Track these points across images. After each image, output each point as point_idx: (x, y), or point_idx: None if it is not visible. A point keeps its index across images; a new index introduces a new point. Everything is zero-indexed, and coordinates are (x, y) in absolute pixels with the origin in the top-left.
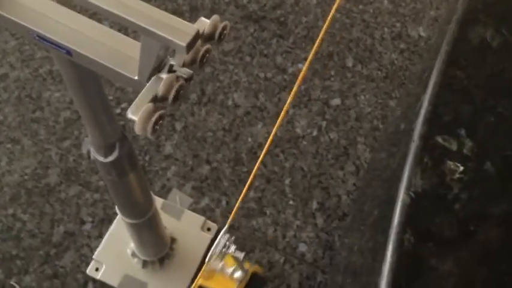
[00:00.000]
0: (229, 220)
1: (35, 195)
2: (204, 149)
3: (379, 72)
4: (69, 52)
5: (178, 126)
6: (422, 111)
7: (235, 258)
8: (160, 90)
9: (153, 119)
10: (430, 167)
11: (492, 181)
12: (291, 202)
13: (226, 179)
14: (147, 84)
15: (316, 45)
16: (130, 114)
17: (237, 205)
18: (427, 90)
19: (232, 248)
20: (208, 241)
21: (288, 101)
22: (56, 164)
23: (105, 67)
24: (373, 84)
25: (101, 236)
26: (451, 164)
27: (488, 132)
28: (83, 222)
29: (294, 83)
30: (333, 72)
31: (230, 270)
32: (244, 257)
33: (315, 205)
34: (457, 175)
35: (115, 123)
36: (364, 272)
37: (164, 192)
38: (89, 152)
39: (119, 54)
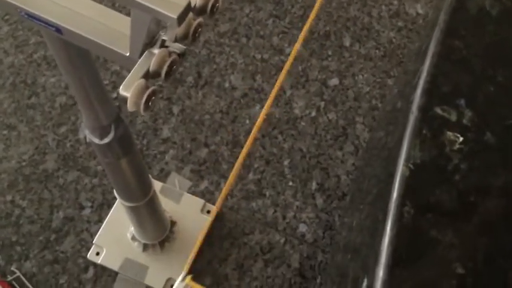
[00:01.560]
0: (185, 268)
1: (33, 181)
2: (201, 132)
3: (377, 51)
4: (59, 30)
5: (176, 109)
6: (421, 83)
7: None
8: (153, 65)
9: (146, 95)
10: (429, 138)
11: (492, 151)
12: (290, 183)
13: (225, 162)
14: (139, 60)
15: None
16: (122, 91)
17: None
18: (426, 61)
19: None
20: (208, 224)
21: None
22: (53, 150)
23: (96, 44)
24: (371, 63)
25: (100, 221)
26: (450, 134)
27: (488, 102)
28: (82, 208)
29: (292, 63)
30: (330, 52)
31: None
32: None
33: (314, 186)
34: (457, 146)
35: (109, 104)
36: (363, 247)
37: (163, 176)
38: (86, 137)
39: (110, 31)
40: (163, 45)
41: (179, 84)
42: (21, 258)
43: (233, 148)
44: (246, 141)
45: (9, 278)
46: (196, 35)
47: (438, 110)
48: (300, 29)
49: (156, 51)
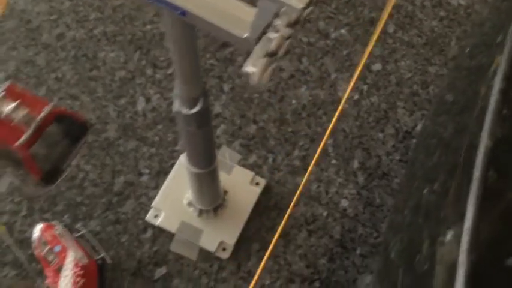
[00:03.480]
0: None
1: (96, 148)
2: (250, 109)
3: (420, 39)
4: (183, 13)
5: (226, 87)
6: (501, 70)
7: None
8: (273, 47)
9: (269, 70)
10: (508, 117)
11: None
12: (333, 161)
13: (272, 138)
14: (260, 43)
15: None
16: (248, 68)
17: None
18: (504, 51)
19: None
20: (257, 194)
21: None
22: (113, 120)
23: (218, 28)
24: (413, 50)
25: (157, 187)
26: None
27: None
28: (140, 174)
29: (337, 48)
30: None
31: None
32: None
33: (356, 164)
34: None
35: (201, 78)
36: (442, 210)
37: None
38: (144, 110)
39: (229, 16)
40: (276, 29)
41: (230, 64)
42: (86, 218)
43: (280, 125)
44: (292, 119)
45: (76, 234)
46: (305, 21)
47: None
48: (346, 15)
49: (272, 35)
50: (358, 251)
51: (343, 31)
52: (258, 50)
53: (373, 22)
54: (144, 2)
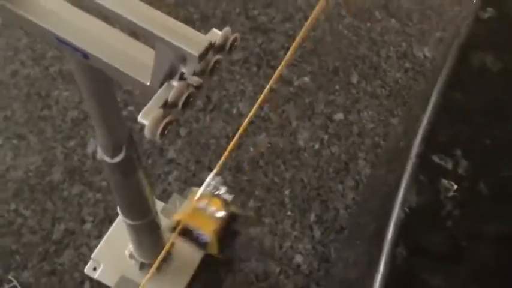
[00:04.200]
0: (220, 162)
1: (38, 192)
2: (206, 155)
3: (383, 90)
4: (85, 55)
5: (183, 131)
6: (421, 131)
7: (222, 200)
8: (171, 96)
9: (163, 124)
10: (425, 184)
11: (485, 201)
12: (289, 213)
13: (227, 186)
14: (159, 91)
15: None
16: (141, 118)
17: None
18: (427, 110)
19: (223, 189)
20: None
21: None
22: (60, 163)
23: (119, 72)
24: (376, 101)
25: (100, 236)
26: (445, 182)
27: (483, 154)
28: (83, 221)
29: (299, 95)
30: (337, 87)
31: (212, 209)
32: (231, 200)
33: (312, 217)
34: (451, 193)
35: (123, 125)
36: (359, 284)
37: (165, 197)
38: (94, 153)
39: (133, 60)
40: (182, 77)
41: (188, 107)
42: (20, 267)
43: (236, 173)
44: (248, 168)
45: (6, 286)
46: (214, 70)
47: (435, 158)
48: (310, 63)
49: (175, 83)
50: None
51: (306, 79)
52: (157, 99)
53: (337, 71)
54: (49, 43)
